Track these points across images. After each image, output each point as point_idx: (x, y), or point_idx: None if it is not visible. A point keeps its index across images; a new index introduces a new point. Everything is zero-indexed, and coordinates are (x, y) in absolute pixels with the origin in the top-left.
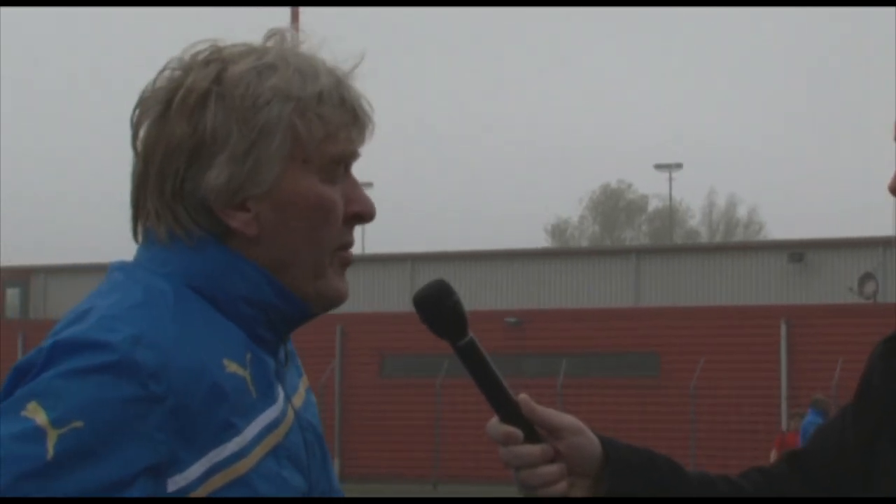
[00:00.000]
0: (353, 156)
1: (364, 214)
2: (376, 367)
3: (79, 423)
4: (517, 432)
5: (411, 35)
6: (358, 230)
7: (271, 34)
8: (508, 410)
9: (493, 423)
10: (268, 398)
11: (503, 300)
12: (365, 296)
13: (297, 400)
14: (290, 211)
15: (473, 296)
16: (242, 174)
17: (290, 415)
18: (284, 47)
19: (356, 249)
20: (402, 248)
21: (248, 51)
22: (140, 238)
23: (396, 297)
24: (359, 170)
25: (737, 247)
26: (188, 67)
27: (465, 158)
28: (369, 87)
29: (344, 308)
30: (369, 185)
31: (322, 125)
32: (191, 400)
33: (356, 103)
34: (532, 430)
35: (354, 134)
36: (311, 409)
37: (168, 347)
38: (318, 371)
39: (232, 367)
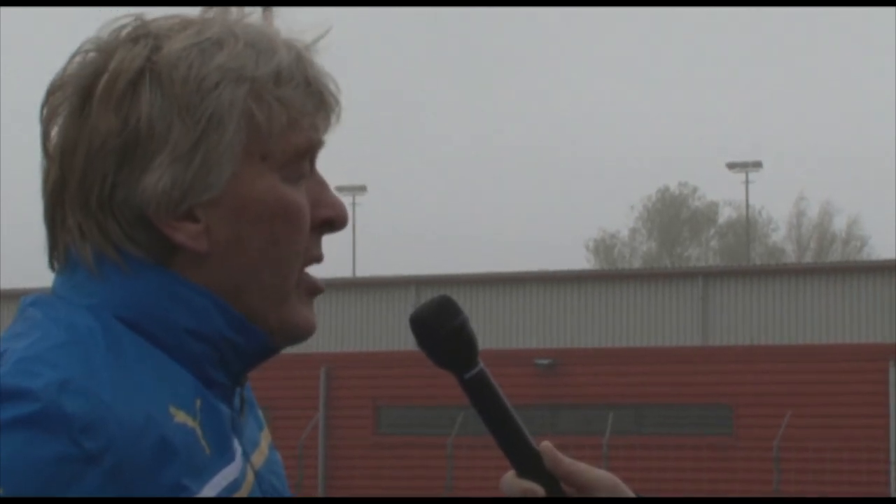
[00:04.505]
0: (318, 146)
1: (335, 220)
2: (371, 422)
3: None
4: (537, 488)
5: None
6: (347, 249)
7: (209, 8)
8: (527, 461)
9: (509, 477)
10: (223, 455)
11: (532, 337)
12: (356, 330)
13: (258, 458)
14: (246, 220)
15: (494, 331)
16: (189, 176)
17: (250, 477)
18: (229, 19)
19: (345, 273)
20: (402, 270)
21: (185, 23)
22: (58, 265)
23: (396, 332)
24: (349, 171)
25: (833, 268)
26: (110, 47)
27: (484, 159)
28: (332, 65)
29: (330, 346)
30: (362, 188)
31: (283, 111)
32: (134, 458)
33: (322, 83)
34: (556, 487)
35: (320, 120)
36: (276, 471)
37: (103, 394)
38: (296, 427)
39: (180, 416)
